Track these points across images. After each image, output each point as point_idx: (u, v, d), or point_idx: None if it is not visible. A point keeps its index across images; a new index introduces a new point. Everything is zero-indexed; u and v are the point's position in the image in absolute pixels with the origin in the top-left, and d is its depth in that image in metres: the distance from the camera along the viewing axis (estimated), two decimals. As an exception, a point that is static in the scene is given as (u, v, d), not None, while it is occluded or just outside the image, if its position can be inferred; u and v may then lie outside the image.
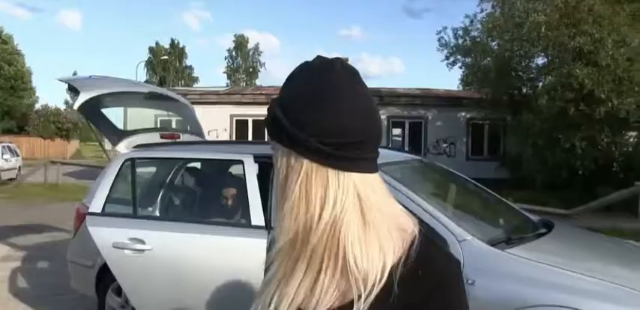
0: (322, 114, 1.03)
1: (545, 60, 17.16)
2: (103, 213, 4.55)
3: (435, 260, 1.07)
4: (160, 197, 5.14)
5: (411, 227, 1.09)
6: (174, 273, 4.09)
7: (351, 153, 1.03)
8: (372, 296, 1.00)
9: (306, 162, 1.04)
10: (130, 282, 4.28)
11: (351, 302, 1.01)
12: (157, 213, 4.93)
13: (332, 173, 1.03)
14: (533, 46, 16.07)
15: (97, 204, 4.58)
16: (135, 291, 4.30)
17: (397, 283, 1.01)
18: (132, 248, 4.21)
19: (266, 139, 1.13)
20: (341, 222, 1.02)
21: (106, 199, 4.60)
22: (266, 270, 1.18)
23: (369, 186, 1.06)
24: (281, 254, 1.08)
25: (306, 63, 1.11)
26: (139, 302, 4.30)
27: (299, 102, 1.05)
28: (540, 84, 17.17)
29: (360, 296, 1.01)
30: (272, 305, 1.08)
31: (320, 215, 1.02)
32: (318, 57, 1.11)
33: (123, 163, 4.73)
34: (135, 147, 5.15)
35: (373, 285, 1.01)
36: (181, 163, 5.35)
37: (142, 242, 4.21)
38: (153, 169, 5.40)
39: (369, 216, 1.04)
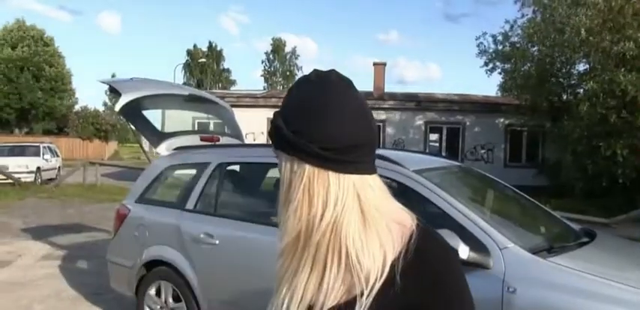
0: (319, 122, 1.11)
1: (587, 66, 16.87)
2: (194, 210, 4.80)
3: (433, 253, 1.13)
4: (235, 197, 5.19)
5: (410, 222, 1.16)
6: (235, 266, 4.37)
7: (348, 156, 1.12)
8: (374, 291, 1.08)
9: (308, 167, 1.12)
10: (202, 270, 4.54)
11: (356, 297, 1.09)
12: (229, 213, 4.93)
13: (333, 176, 1.11)
14: (575, 51, 15.82)
15: (190, 203, 4.83)
16: (205, 279, 4.53)
17: (399, 275, 1.08)
18: (205, 242, 4.46)
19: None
20: (342, 221, 1.10)
21: (198, 199, 4.82)
22: None
23: (368, 186, 1.14)
24: (284, 254, 1.16)
25: (304, 76, 1.20)
26: (206, 288, 4.53)
27: (298, 112, 1.13)
28: (581, 90, 16.88)
29: (362, 293, 1.08)
30: (284, 305, 1.15)
31: (322, 215, 1.10)
32: (315, 70, 1.19)
33: (216, 167, 4.86)
34: (175, 149, 5.20)
35: (375, 280, 1.08)
36: (256, 167, 5.32)
37: (212, 236, 4.44)
38: (190, 172, 5.39)
39: (368, 214, 1.12)
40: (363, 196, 1.12)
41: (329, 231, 1.10)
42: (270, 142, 1.17)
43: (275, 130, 1.15)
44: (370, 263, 1.09)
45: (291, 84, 1.23)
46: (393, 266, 1.10)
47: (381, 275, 1.09)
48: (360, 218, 1.11)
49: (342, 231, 1.10)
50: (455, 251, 1.17)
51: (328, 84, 1.14)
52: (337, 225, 1.10)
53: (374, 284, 1.08)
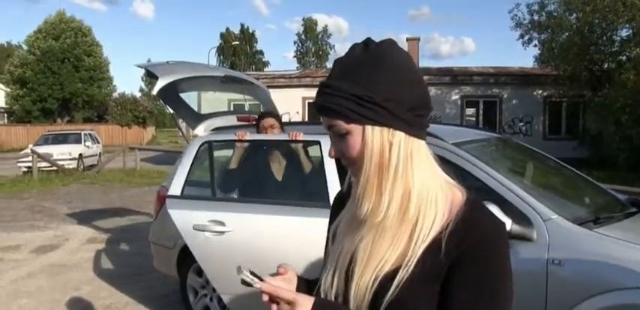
0: (412, 86, 1.09)
1: (631, 31, 16.32)
2: (182, 196, 4.60)
3: (483, 221, 1.11)
4: (237, 179, 5.14)
5: (462, 191, 1.16)
6: (252, 254, 4.04)
7: (425, 121, 1.13)
8: (421, 251, 1.09)
9: (403, 136, 1.09)
10: (210, 263, 4.32)
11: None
12: (235, 195, 4.93)
13: (417, 141, 1.11)
14: (618, 17, 15.30)
15: (176, 188, 4.63)
16: (215, 272, 4.33)
17: (445, 241, 1.07)
18: (212, 230, 4.27)
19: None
20: (426, 191, 1.12)
21: (185, 182, 4.63)
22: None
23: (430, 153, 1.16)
24: (375, 221, 1.12)
25: (360, 43, 1.13)
26: (218, 282, 4.35)
27: (383, 79, 1.08)
28: (624, 57, 16.36)
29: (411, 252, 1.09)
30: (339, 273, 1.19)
31: (420, 181, 1.11)
32: (369, 38, 1.15)
33: (200, 146, 4.77)
34: (213, 130, 5.21)
35: (423, 240, 1.10)
36: (257, 145, 5.32)
37: (222, 224, 4.26)
38: (229, 152, 5.41)
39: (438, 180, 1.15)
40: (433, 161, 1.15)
41: (427, 197, 1.11)
42: (345, 115, 1.09)
43: (361, 101, 1.07)
44: (427, 224, 1.10)
45: (334, 59, 1.18)
46: (440, 232, 1.09)
47: (428, 234, 1.09)
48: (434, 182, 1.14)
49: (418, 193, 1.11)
50: (503, 224, 1.14)
51: (395, 46, 1.11)
52: (427, 191, 1.11)
53: (421, 243, 1.09)
